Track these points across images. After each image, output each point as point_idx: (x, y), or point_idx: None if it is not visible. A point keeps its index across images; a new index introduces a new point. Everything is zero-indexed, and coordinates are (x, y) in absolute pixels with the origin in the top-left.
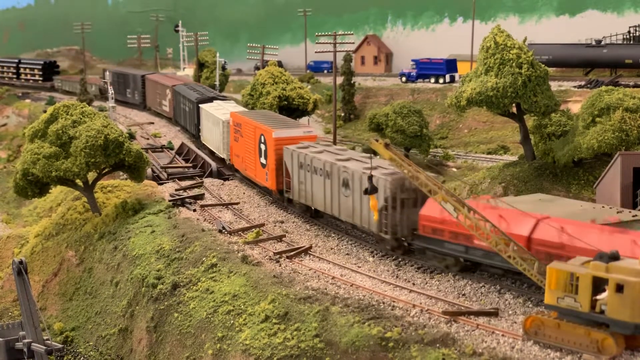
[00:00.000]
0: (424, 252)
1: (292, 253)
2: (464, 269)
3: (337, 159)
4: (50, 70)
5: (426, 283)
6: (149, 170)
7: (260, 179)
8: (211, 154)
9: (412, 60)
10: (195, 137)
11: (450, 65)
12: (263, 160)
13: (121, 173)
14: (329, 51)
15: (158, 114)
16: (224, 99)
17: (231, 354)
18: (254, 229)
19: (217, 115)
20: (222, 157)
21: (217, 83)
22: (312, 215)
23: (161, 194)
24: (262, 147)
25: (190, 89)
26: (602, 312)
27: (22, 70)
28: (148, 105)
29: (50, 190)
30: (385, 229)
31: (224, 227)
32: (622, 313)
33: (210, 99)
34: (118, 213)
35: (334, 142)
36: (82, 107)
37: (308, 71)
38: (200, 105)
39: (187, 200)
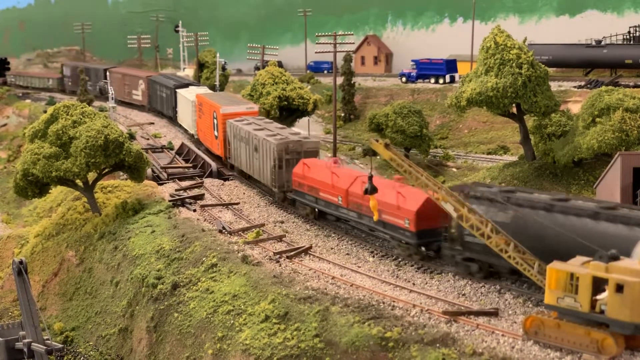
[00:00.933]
0: (294, 203)
1: (292, 253)
2: (319, 217)
3: (254, 129)
4: (1, 66)
5: (426, 283)
6: (149, 171)
7: (214, 149)
8: (185, 131)
9: (412, 61)
10: (173, 118)
11: (450, 65)
12: (216, 133)
13: (121, 173)
14: (329, 51)
15: (151, 111)
16: (198, 85)
17: (231, 353)
18: (254, 229)
19: (188, 97)
20: (192, 132)
21: (217, 83)
22: (246, 178)
23: (161, 194)
24: (215, 121)
25: (166, 78)
26: (602, 312)
27: None
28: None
29: (50, 191)
30: (274, 183)
31: (224, 227)
32: (622, 313)
33: (185, 85)
34: (118, 213)
35: (334, 143)
36: (82, 108)
37: (308, 71)
38: (177, 90)
39: (187, 200)
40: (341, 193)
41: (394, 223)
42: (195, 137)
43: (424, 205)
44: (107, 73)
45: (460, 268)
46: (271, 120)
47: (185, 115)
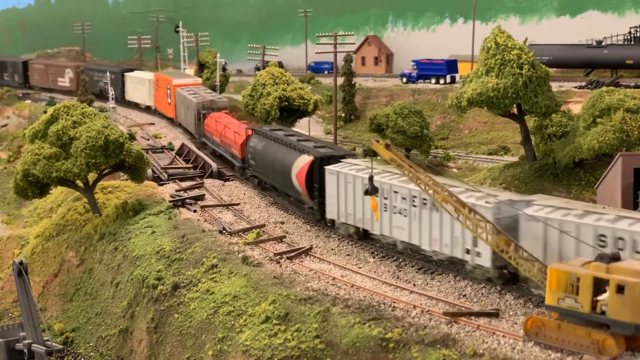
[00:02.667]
0: (206, 145)
1: (292, 254)
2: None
3: (189, 94)
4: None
5: (427, 284)
6: (149, 171)
7: (168, 113)
8: (136, 105)
9: (413, 61)
10: (120, 98)
11: (450, 65)
12: (169, 100)
13: (121, 174)
14: (330, 52)
15: (148, 111)
16: (138, 69)
17: (232, 354)
18: (254, 230)
19: (142, 77)
20: (148, 105)
21: (217, 84)
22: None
23: (161, 195)
24: (168, 92)
25: (103, 66)
26: (602, 312)
27: None
28: (32, 84)
29: (50, 191)
30: (196, 131)
31: (224, 228)
32: (622, 314)
33: (131, 69)
34: (118, 214)
35: (335, 143)
36: (82, 108)
37: (308, 72)
38: (125, 73)
39: (187, 201)
40: (218, 135)
41: (232, 152)
42: (153, 107)
43: (245, 141)
44: (27, 66)
45: (251, 181)
46: (206, 88)
47: (140, 92)
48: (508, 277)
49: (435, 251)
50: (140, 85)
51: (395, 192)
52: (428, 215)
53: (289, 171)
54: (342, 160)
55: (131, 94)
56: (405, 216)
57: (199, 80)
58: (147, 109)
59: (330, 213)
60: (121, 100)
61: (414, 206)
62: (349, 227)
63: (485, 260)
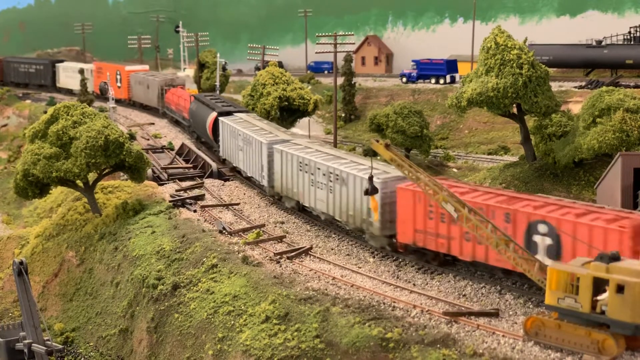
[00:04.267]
0: (166, 114)
1: (292, 254)
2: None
3: (148, 76)
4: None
5: (427, 284)
6: (149, 171)
7: (118, 95)
8: (69, 92)
9: (413, 61)
10: (50, 85)
11: (450, 65)
12: (118, 84)
13: (121, 174)
14: (330, 52)
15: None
16: (64, 61)
17: (232, 354)
18: (254, 230)
19: (77, 67)
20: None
21: (217, 84)
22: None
23: (161, 195)
24: (118, 77)
25: (28, 59)
26: (602, 312)
27: None
28: None
29: (50, 191)
30: (159, 105)
31: (224, 228)
32: (622, 314)
33: (61, 61)
34: (118, 214)
35: (335, 143)
36: (82, 108)
37: (308, 72)
38: (56, 64)
39: (187, 201)
40: (174, 105)
41: (183, 115)
42: (92, 91)
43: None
44: None
45: (192, 136)
46: (154, 72)
47: (77, 80)
48: (398, 246)
49: (345, 221)
50: (75, 73)
51: (318, 168)
52: (339, 189)
53: (204, 123)
54: (234, 114)
55: (64, 82)
56: (322, 190)
57: (147, 66)
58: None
59: (223, 152)
60: (52, 87)
61: (330, 181)
62: (231, 165)
63: (375, 229)
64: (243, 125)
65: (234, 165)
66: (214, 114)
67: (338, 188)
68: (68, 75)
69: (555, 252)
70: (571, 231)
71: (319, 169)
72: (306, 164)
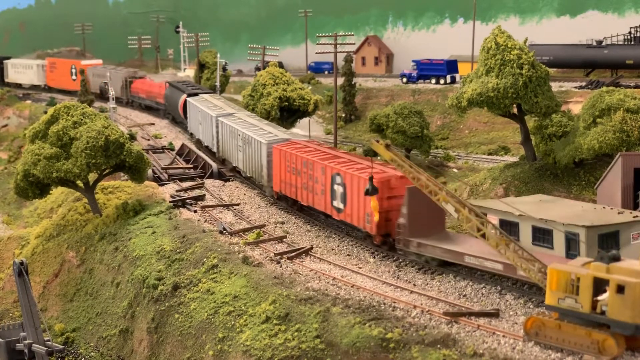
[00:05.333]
0: (133, 103)
1: (293, 254)
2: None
3: (108, 70)
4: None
5: (427, 284)
6: (149, 171)
7: (72, 87)
8: (18, 86)
9: (413, 61)
10: (0, 80)
11: (451, 66)
12: (73, 77)
13: (122, 174)
14: (330, 52)
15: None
16: (10, 57)
17: (232, 354)
18: (254, 230)
19: (29, 63)
20: (36, 84)
21: (217, 84)
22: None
23: (162, 195)
24: (73, 70)
25: None
26: (603, 313)
27: None
28: None
29: (50, 191)
30: (123, 96)
31: (224, 228)
32: (622, 314)
33: (8, 57)
34: (119, 214)
35: (335, 143)
36: (82, 108)
37: (309, 72)
38: (4, 61)
39: (187, 201)
40: (144, 93)
41: (157, 101)
42: (43, 85)
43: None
44: None
45: (167, 118)
46: (113, 66)
47: (27, 75)
48: (274, 194)
49: (250, 177)
50: (26, 69)
51: (239, 135)
52: (248, 150)
53: (177, 104)
54: (200, 95)
55: (14, 77)
56: (241, 152)
57: (100, 61)
58: (35, 87)
59: (190, 128)
60: (0, 82)
61: (244, 145)
62: (196, 138)
63: (265, 182)
64: (202, 104)
65: (197, 137)
66: (184, 96)
67: (247, 149)
68: (18, 70)
69: (343, 197)
70: (349, 181)
71: (239, 135)
72: (233, 132)
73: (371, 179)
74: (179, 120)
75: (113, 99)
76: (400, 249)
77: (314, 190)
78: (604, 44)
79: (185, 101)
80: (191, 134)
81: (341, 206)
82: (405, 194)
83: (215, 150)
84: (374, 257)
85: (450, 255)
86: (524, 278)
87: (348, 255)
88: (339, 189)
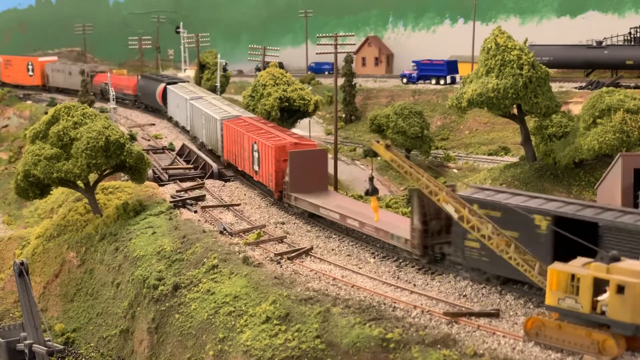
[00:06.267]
0: (94, 95)
1: (293, 254)
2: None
3: (70, 65)
4: None
5: (427, 284)
6: (150, 172)
7: (30, 82)
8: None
9: (413, 62)
10: None
11: (451, 66)
12: (30, 73)
13: (122, 174)
14: (330, 52)
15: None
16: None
17: (232, 355)
18: (255, 230)
19: None
20: None
21: (218, 84)
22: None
23: (162, 196)
24: (30, 67)
25: None
26: (603, 313)
27: None
28: None
29: (51, 192)
30: (84, 89)
31: (225, 229)
32: (623, 314)
33: None
34: (119, 214)
35: (335, 144)
36: (83, 109)
37: (309, 72)
38: None
39: (188, 201)
40: (113, 85)
41: (126, 92)
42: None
43: (136, 84)
44: None
45: (141, 107)
46: (72, 62)
47: None
48: (229, 164)
49: (211, 149)
50: None
51: (202, 114)
52: (208, 126)
53: (154, 93)
54: (177, 83)
55: None
56: (204, 129)
57: (56, 57)
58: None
59: (169, 112)
60: None
61: (206, 122)
62: (174, 120)
63: (220, 152)
64: (180, 90)
65: (175, 120)
66: (162, 85)
67: (208, 125)
68: None
69: (259, 161)
70: (262, 148)
71: (203, 114)
72: (199, 112)
73: (371, 179)
74: (155, 108)
75: (113, 99)
76: (285, 202)
77: (243, 157)
78: (604, 44)
79: (165, 89)
80: (170, 117)
81: (257, 169)
82: (288, 158)
83: (189, 129)
84: (374, 258)
85: (312, 207)
86: (353, 227)
87: (348, 255)
88: (256, 155)
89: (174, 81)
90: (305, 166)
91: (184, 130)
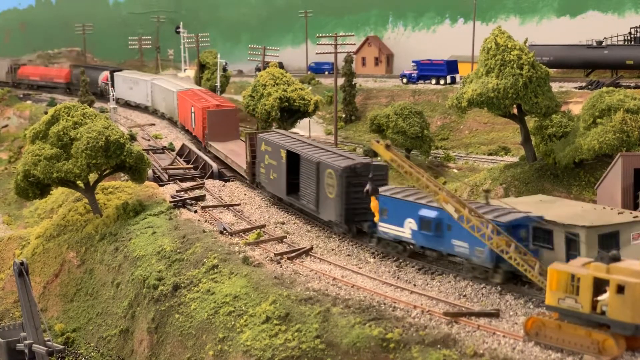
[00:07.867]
0: (20, 85)
1: (293, 254)
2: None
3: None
4: None
5: (427, 284)
6: (149, 172)
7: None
8: None
9: (413, 62)
10: None
11: (451, 66)
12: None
13: (122, 174)
14: (330, 52)
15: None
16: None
17: (232, 355)
18: (255, 230)
19: None
20: None
21: (218, 84)
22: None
23: (162, 195)
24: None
25: None
26: (603, 313)
27: None
28: None
29: (51, 192)
30: (8, 79)
31: (225, 229)
32: (622, 314)
33: None
34: (119, 214)
35: (335, 144)
36: (83, 109)
37: (309, 72)
38: None
39: (188, 201)
40: (37, 76)
41: (54, 81)
42: None
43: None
44: None
45: (120, 102)
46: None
47: None
48: (182, 128)
49: (170, 117)
50: None
51: (162, 90)
52: (167, 99)
53: (96, 79)
54: (122, 70)
55: None
56: (163, 103)
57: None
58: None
59: (117, 95)
60: None
61: (165, 96)
62: (124, 101)
63: (175, 117)
64: (133, 75)
65: (125, 100)
66: (105, 72)
67: (167, 98)
68: None
69: (194, 120)
70: (196, 110)
71: (162, 90)
72: (160, 89)
73: (372, 179)
74: (92, 92)
75: (114, 99)
76: (206, 148)
77: (188, 118)
78: (604, 44)
79: (111, 75)
80: (118, 100)
81: (194, 126)
82: (206, 115)
83: (149, 105)
84: (374, 258)
85: (214, 150)
86: (225, 160)
87: (348, 255)
88: (192, 116)
89: (118, 68)
90: (220, 121)
91: (138, 107)
